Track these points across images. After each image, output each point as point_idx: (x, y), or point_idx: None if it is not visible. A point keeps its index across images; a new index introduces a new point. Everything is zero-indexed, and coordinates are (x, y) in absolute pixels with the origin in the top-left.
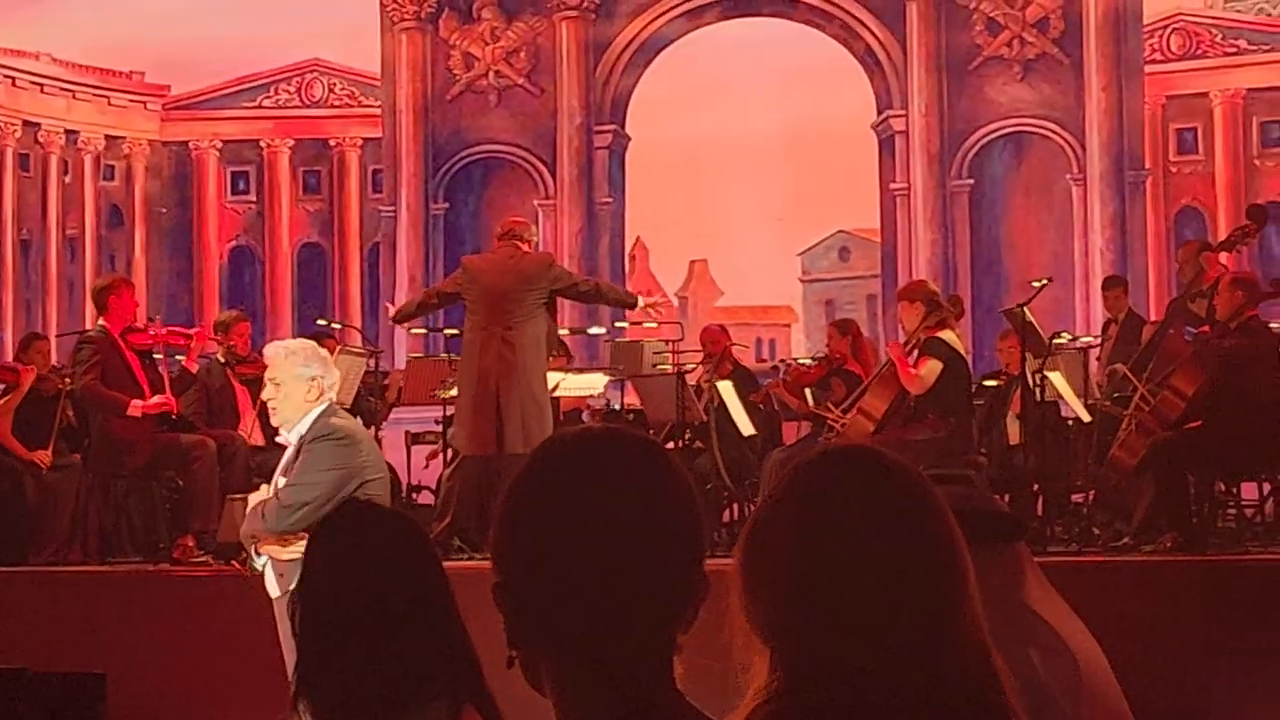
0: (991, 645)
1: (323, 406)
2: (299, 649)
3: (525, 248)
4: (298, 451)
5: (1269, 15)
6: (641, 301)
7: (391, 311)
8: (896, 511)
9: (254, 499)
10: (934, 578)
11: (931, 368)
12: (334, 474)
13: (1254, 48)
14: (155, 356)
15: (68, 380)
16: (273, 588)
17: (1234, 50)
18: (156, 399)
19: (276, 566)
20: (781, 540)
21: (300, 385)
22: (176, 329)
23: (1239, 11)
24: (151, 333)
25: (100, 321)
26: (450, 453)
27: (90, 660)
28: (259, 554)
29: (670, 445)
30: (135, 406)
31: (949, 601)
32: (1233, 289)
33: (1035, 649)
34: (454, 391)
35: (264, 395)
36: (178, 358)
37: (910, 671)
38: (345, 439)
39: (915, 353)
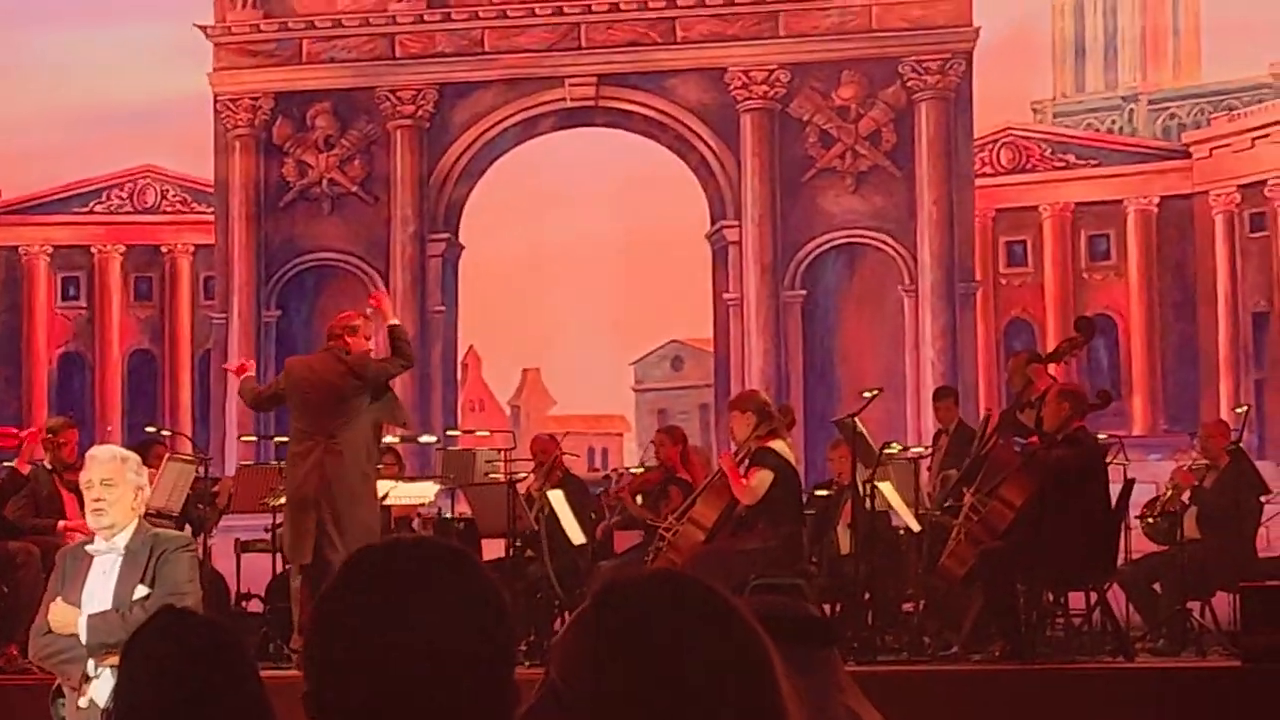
0: None
1: (139, 518)
2: None
3: (352, 344)
4: (151, 559)
5: (1097, 130)
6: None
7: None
8: (705, 640)
9: (60, 611)
10: (748, 695)
11: (762, 478)
12: (196, 583)
13: (1082, 162)
14: None
15: None
16: (104, 698)
17: (1063, 165)
18: None
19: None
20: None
21: (131, 492)
22: (4, 430)
23: (1067, 127)
24: None
25: None
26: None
27: None
28: (100, 665)
29: (501, 554)
30: None
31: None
32: (1060, 400)
33: None
34: (283, 499)
35: (94, 495)
36: (6, 464)
37: None
38: (195, 550)
39: (746, 463)
